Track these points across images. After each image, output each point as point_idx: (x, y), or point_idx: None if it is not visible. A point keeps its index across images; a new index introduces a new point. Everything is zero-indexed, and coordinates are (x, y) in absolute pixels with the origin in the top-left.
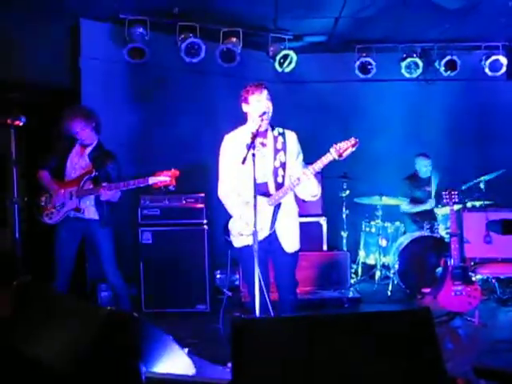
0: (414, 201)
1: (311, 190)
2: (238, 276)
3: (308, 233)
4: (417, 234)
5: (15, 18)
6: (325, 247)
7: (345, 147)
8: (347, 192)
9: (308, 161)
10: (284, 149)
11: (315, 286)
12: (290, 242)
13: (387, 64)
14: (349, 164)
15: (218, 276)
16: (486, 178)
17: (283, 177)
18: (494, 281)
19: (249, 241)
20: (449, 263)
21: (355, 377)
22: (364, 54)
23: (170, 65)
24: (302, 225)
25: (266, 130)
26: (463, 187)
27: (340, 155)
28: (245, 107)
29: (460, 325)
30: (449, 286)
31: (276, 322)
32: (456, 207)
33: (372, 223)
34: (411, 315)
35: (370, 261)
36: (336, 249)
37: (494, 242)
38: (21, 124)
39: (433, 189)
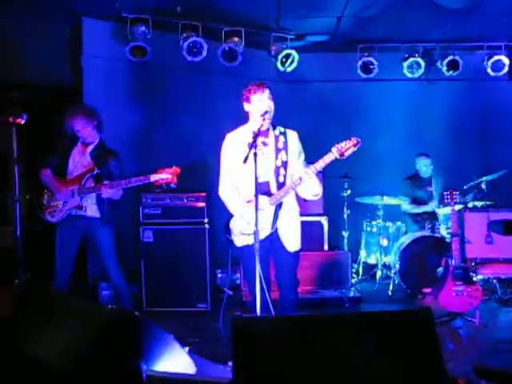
0: (416, 201)
1: (313, 189)
2: (238, 275)
3: (309, 232)
4: (418, 233)
5: (16, 17)
6: (326, 247)
7: (346, 147)
8: (348, 191)
9: (310, 160)
10: (285, 148)
11: (316, 286)
12: (292, 241)
13: (389, 64)
14: (350, 163)
15: (219, 275)
16: (488, 178)
17: (285, 176)
18: (495, 281)
19: (250, 240)
20: (450, 263)
21: (355, 376)
22: (366, 54)
23: (171, 63)
24: (303, 224)
25: (268, 130)
26: (465, 187)
27: (342, 155)
28: (246, 106)
29: (461, 325)
30: (450, 286)
31: (277, 321)
32: (457, 207)
33: (373, 223)
34: (412, 315)
35: (371, 260)
36: (337, 248)
37: (495, 243)
38: (22, 122)
39: (434, 189)
